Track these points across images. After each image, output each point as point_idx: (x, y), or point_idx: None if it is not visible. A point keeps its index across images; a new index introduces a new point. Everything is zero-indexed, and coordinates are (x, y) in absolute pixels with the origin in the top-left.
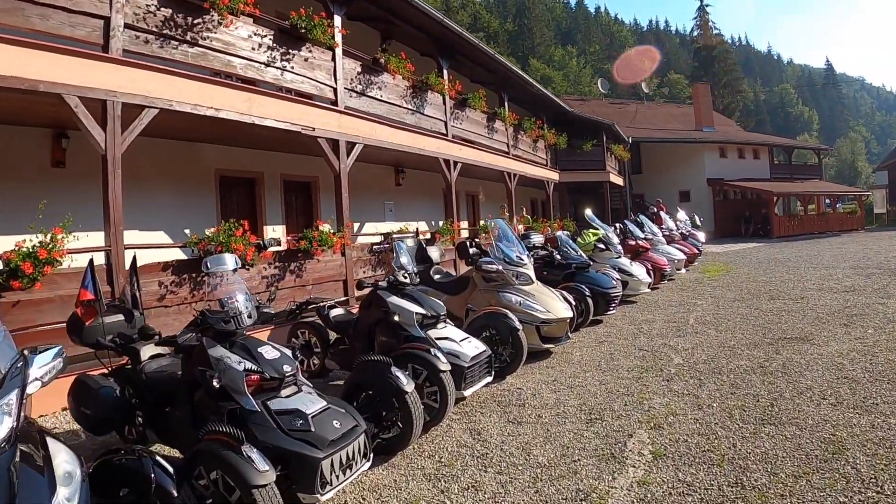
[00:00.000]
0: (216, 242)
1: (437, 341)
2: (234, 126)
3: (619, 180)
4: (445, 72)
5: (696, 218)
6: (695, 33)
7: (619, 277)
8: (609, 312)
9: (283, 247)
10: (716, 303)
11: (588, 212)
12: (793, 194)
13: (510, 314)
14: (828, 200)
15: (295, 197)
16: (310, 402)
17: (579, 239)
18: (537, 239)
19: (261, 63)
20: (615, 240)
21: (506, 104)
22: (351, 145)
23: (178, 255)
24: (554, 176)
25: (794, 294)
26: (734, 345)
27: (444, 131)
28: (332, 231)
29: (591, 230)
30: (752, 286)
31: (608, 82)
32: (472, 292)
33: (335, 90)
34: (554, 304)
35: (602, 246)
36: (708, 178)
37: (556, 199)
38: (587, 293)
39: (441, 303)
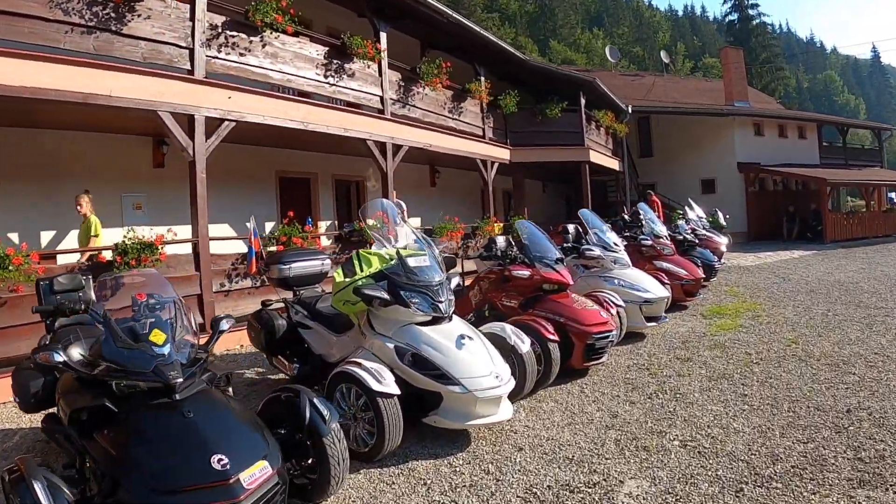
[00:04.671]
0: None
1: None
2: None
3: (613, 163)
4: None
5: (721, 215)
6: (727, 4)
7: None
8: None
9: None
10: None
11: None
12: (850, 184)
13: None
14: (893, 194)
15: None
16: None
17: (322, 287)
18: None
19: None
20: (436, 274)
21: (383, 36)
22: None
23: None
24: (500, 153)
25: None
26: None
27: (188, 67)
28: None
29: (366, 252)
30: (800, 381)
31: (619, 51)
32: None
33: None
34: None
35: (385, 297)
36: (739, 161)
37: (513, 186)
38: None
39: None
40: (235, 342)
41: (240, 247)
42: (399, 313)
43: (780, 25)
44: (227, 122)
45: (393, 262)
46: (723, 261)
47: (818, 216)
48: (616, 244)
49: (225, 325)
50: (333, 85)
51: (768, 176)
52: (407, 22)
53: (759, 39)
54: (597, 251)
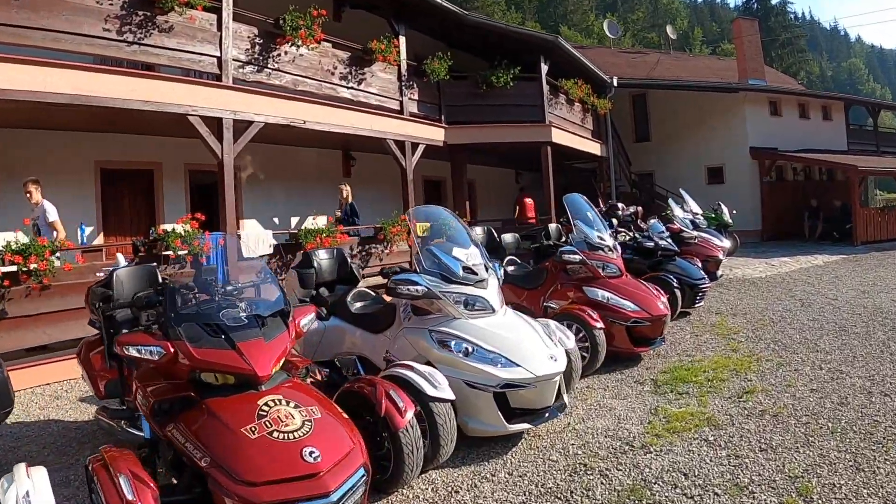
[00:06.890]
0: None
1: None
2: None
3: (592, 147)
4: None
5: (725, 211)
6: None
7: None
8: None
9: None
10: None
11: None
12: (886, 173)
13: None
14: None
15: None
16: None
17: None
18: None
19: None
20: None
21: None
22: None
23: None
24: (427, 133)
25: None
26: None
27: None
28: None
29: None
30: None
31: (618, 26)
32: None
33: None
34: None
35: None
36: (752, 146)
37: (454, 175)
38: None
39: None
40: None
41: None
42: None
43: (804, 14)
44: None
45: None
46: (720, 273)
47: (846, 212)
48: (472, 269)
49: None
50: (135, 44)
51: (787, 163)
52: None
53: (778, 19)
54: (421, 286)
